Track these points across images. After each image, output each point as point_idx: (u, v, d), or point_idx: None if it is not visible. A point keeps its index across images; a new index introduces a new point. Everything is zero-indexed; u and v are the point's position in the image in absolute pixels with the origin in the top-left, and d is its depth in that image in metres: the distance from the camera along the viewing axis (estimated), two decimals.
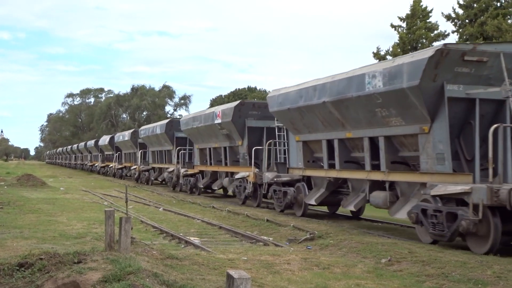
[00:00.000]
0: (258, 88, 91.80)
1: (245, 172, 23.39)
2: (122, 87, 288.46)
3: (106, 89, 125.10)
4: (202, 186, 29.91)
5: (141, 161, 42.50)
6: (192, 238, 14.53)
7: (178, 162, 33.17)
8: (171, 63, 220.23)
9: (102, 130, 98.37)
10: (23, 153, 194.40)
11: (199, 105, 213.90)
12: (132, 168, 45.78)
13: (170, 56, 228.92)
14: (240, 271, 4.79)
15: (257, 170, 22.59)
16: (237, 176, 24.07)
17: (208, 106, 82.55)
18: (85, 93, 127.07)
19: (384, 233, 15.32)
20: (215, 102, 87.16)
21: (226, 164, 26.71)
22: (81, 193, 31.50)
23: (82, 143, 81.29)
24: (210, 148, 28.66)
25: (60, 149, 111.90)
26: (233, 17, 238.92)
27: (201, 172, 30.34)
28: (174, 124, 35.29)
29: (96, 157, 66.92)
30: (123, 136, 50.47)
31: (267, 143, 22.10)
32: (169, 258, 10.19)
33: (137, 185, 40.27)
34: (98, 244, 11.90)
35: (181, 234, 15.43)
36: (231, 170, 25.86)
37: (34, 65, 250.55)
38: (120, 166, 52.04)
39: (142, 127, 43.72)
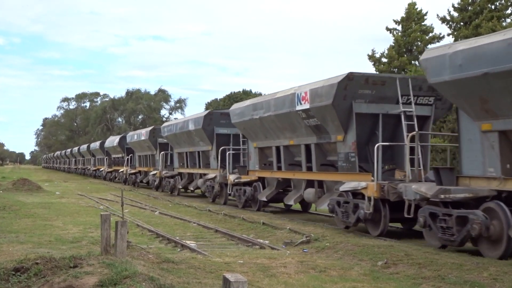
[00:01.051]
0: (253, 91, 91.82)
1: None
2: (117, 91, 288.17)
3: (101, 93, 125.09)
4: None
5: (163, 165, 36.63)
6: (188, 242, 14.51)
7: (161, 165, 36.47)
8: (166, 67, 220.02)
9: (98, 134, 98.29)
10: (19, 158, 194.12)
11: (194, 109, 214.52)
12: (151, 173, 39.21)
13: (165, 60, 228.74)
14: (237, 275, 4.79)
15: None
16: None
17: (204, 110, 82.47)
18: (80, 97, 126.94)
19: (380, 235, 15.31)
20: (210, 105, 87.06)
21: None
22: (76, 197, 31.44)
23: (84, 146, 77.25)
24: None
25: (58, 152, 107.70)
26: (227, 21, 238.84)
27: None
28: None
29: (101, 161, 63.10)
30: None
31: (230, 151, 25.19)
32: (166, 262, 10.18)
33: (133, 189, 40.28)
34: (94, 248, 11.87)
35: (177, 237, 15.41)
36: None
37: (29, 69, 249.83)
38: (133, 171, 45.52)
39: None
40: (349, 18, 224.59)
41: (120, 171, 49.41)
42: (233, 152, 25.30)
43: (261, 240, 15.00)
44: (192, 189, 31.46)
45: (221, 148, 25.69)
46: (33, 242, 13.56)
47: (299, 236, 15.09)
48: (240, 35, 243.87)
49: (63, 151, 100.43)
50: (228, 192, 24.84)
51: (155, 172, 37.64)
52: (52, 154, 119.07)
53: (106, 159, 56.96)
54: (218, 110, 29.37)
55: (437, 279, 9.79)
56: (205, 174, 28.04)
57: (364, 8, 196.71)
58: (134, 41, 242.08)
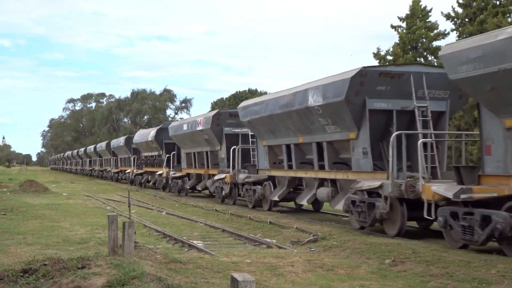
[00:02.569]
0: (258, 90, 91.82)
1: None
2: (122, 92, 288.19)
3: (107, 94, 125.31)
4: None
5: (170, 166, 36.22)
6: (195, 242, 14.51)
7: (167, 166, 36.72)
8: (170, 67, 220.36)
9: (104, 135, 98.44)
10: (25, 159, 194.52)
11: (200, 109, 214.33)
12: (158, 173, 39.25)
13: (169, 60, 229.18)
14: (244, 274, 4.79)
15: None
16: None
17: (209, 109, 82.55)
18: (86, 98, 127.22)
19: (397, 235, 15.26)
20: (216, 105, 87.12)
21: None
22: (83, 198, 31.51)
23: (91, 146, 76.71)
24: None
25: (69, 152, 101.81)
26: (230, 21, 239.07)
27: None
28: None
29: (107, 162, 62.46)
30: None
31: (239, 148, 24.95)
32: (173, 262, 10.19)
33: (139, 189, 40.37)
34: (101, 249, 11.89)
35: (184, 237, 15.43)
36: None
37: (34, 71, 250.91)
38: (140, 172, 45.67)
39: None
40: (353, 16, 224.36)
41: (126, 171, 49.44)
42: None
43: (268, 239, 15.01)
44: (200, 189, 31.29)
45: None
46: (40, 243, 13.60)
47: (306, 235, 15.08)
48: (244, 34, 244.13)
49: (75, 151, 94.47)
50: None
51: (161, 172, 37.68)
52: (62, 154, 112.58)
53: (114, 159, 56.91)
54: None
55: (445, 276, 9.77)
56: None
57: (368, 5, 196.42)
58: (138, 42, 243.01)
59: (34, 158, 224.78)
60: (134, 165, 46.66)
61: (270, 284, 9.38)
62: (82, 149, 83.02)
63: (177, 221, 20.29)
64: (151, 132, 40.36)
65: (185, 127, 31.50)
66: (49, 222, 18.65)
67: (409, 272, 10.36)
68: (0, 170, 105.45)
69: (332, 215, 20.62)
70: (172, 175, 34.59)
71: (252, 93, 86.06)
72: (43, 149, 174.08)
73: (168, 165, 36.28)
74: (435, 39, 43.20)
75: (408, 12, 44.32)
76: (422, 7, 44.08)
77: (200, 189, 31.29)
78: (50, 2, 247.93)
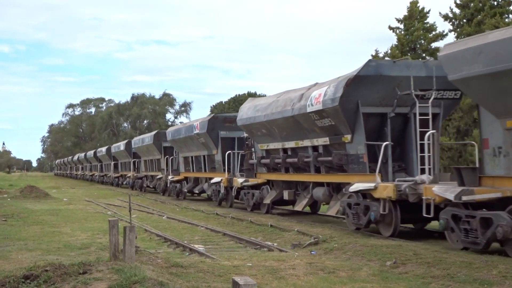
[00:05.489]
0: (258, 94, 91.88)
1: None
2: (122, 97, 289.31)
3: (106, 99, 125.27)
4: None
5: (169, 170, 36.32)
6: (196, 246, 14.51)
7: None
8: (169, 71, 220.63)
9: (104, 140, 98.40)
10: (26, 165, 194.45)
11: (199, 112, 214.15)
12: (157, 177, 39.51)
13: (169, 64, 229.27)
14: (246, 278, 4.80)
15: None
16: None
17: (209, 113, 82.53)
18: (85, 103, 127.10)
19: (392, 236, 15.28)
20: (216, 108, 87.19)
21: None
22: (84, 203, 31.50)
23: (91, 151, 73.90)
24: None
25: (79, 155, 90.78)
26: (229, 25, 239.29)
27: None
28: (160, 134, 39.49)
29: (107, 167, 61.56)
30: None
31: (237, 152, 26.01)
32: (174, 266, 10.20)
33: (140, 194, 40.42)
34: (102, 254, 11.90)
35: (185, 241, 15.42)
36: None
37: (34, 77, 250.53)
38: (140, 176, 45.93)
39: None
40: (352, 19, 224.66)
41: (127, 176, 49.51)
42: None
43: (269, 243, 15.01)
44: (197, 192, 32.12)
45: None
46: (42, 249, 13.60)
47: (307, 238, 15.08)
48: (243, 38, 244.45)
49: (76, 156, 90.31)
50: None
51: (160, 176, 38.19)
52: (71, 158, 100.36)
53: (114, 164, 56.98)
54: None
55: (446, 278, 9.77)
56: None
57: (366, 8, 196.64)
58: (137, 46, 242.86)
59: (34, 164, 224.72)
60: (134, 170, 47.24)
61: (271, 287, 9.39)
62: (83, 154, 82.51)
63: (178, 225, 20.29)
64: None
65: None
66: (50, 228, 18.65)
67: (410, 274, 10.36)
68: (0, 176, 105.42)
69: (333, 217, 20.61)
70: (170, 179, 34.90)
71: (252, 97, 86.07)
72: (43, 155, 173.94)
73: (134, 169, 38.14)
74: (434, 40, 43.23)
75: (406, 14, 44.36)
76: (420, 8, 44.12)
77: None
78: (50, 8, 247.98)
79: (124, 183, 52.40)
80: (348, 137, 16.23)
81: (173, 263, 10.44)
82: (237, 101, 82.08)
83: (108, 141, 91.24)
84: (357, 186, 15.33)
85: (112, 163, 57.00)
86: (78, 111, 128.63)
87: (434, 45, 42.77)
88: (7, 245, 14.36)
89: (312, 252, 13.36)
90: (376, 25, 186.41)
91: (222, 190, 26.20)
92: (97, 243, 14.76)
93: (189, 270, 10.13)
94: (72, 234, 17.09)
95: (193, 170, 32.10)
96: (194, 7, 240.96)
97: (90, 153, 74.02)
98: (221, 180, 25.92)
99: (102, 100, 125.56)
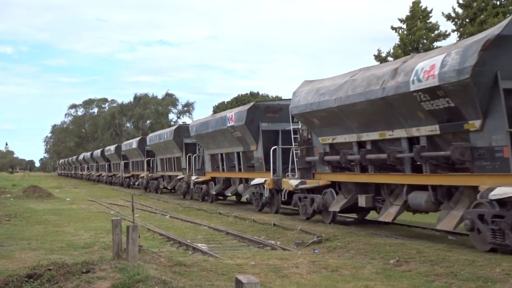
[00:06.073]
0: (260, 93, 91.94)
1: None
2: (124, 97, 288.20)
3: (109, 99, 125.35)
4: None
5: (192, 169, 31.62)
6: (199, 245, 14.53)
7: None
8: (172, 71, 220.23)
9: (107, 140, 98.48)
10: (28, 165, 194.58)
11: (202, 112, 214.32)
12: (177, 178, 35.26)
13: (172, 64, 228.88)
14: (249, 276, 4.79)
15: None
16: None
17: (211, 113, 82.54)
18: (88, 103, 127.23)
19: (391, 233, 15.28)
20: (218, 108, 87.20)
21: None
22: (87, 203, 31.53)
23: (98, 151, 70.29)
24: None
25: (84, 154, 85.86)
26: (231, 25, 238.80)
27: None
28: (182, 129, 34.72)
29: (116, 166, 58.41)
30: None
31: (193, 156, 25.10)
32: (177, 265, 10.20)
33: (143, 193, 40.40)
34: (106, 253, 11.91)
35: (189, 240, 15.44)
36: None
37: (37, 77, 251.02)
38: (155, 176, 42.09)
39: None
40: (354, 19, 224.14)
41: (140, 176, 44.97)
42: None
43: (273, 241, 15.00)
44: (230, 194, 27.51)
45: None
46: (45, 248, 13.63)
47: (310, 237, 15.07)
48: (245, 38, 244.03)
49: (88, 154, 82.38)
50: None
51: (182, 176, 33.82)
52: (76, 157, 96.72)
53: (123, 163, 53.26)
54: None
55: (449, 275, 9.76)
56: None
57: (368, 8, 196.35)
58: (140, 47, 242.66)
59: (37, 164, 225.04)
60: (148, 169, 43.50)
61: (275, 285, 9.39)
62: (88, 154, 79.27)
63: (180, 224, 20.30)
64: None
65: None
66: (53, 227, 18.68)
67: (413, 272, 10.35)
68: (3, 176, 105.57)
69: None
70: (195, 180, 29.95)
71: (254, 96, 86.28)
72: (46, 155, 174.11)
73: (148, 169, 34.65)
74: (436, 40, 43.22)
75: (409, 14, 44.37)
76: (422, 8, 44.12)
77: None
78: (52, 9, 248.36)
79: (137, 184, 48.18)
80: (475, 123, 11.89)
81: (176, 262, 10.45)
82: (240, 101, 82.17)
83: (111, 141, 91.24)
84: (504, 191, 11.05)
85: (122, 162, 52.58)
86: (80, 112, 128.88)
87: (436, 44, 42.77)
88: (11, 244, 14.38)
89: (315, 251, 13.36)
90: (379, 24, 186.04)
91: (266, 194, 21.90)
92: (100, 242, 14.78)
93: (192, 269, 10.13)
94: (75, 233, 17.11)
95: (223, 170, 27.68)
96: (196, 8, 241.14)
97: (97, 152, 69.90)
98: (265, 181, 21.73)
99: (104, 100, 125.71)
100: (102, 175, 65.51)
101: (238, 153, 25.45)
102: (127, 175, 51.45)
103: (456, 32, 40.59)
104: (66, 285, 8.18)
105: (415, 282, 9.64)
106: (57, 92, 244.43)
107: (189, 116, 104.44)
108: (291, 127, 20.99)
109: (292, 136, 21.02)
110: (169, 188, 37.87)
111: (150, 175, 41.57)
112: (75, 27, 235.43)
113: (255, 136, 23.25)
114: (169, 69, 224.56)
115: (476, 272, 9.66)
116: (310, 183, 18.19)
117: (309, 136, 18.80)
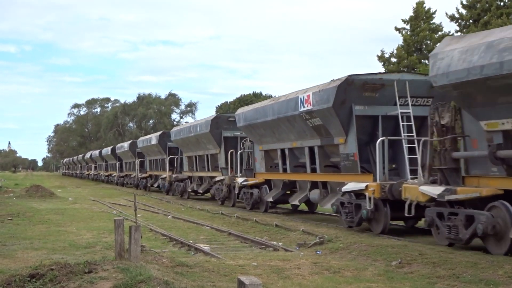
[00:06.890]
0: (263, 94, 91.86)
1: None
2: (127, 97, 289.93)
3: (112, 99, 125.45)
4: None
5: (173, 169, 37.94)
6: (201, 245, 14.53)
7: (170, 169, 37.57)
8: (175, 71, 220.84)
9: (110, 140, 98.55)
10: (31, 164, 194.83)
11: (205, 112, 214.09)
12: (161, 177, 40.05)
13: (175, 64, 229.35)
14: (251, 277, 4.79)
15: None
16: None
17: (214, 113, 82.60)
18: (91, 103, 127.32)
19: (394, 235, 15.27)
20: (221, 108, 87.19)
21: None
22: (89, 203, 31.55)
23: (96, 151, 73.03)
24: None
25: (92, 152, 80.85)
26: (234, 25, 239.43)
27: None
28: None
29: (112, 166, 62.26)
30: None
31: (238, 152, 25.43)
32: (180, 266, 10.21)
33: (145, 193, 40.47)
34: (108, 253, 11.92)
35: (191, 241, 15.44)
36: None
37: (40, 77, 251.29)
38: (144, 175, 46.21)
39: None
40: (358, 19, 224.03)
41: (161, 177, 42.63)
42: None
43: (275, 242, 15.00)
44: (201, 191, 32.11)
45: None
46: (47, 248, 13.63)
47: (312, 238, 15.07)
48: (248, 38, 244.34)
49: (96, 152, 76.67)
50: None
51: (165, 176, 38.41)
52: (82, 156, 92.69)
53: (119, 164, 57.48)
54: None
55: (451, 278, 9.74)
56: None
57: (372, 8, 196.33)
58: (143, 46, 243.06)
59: (40, 163, 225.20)
60: (138, 169, 47.72)
61: (276, 287, 9.38)
62: (97, 152, 77.26)
63: (183, 224, 20.31)
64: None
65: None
66: (56, 227, 18.69)
67: (416, 274, 10.34)
68: (6, 175, 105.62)
69: (337, 217, 20.55)
70: (242, 183, 26.72)
71: (257, 97, 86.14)
72: (48, 154, 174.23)
73: (171, 169, 37.52)
74: (440, 41, 43.15)
75: (412, 14, 44.33)
76: (426, 8, 44.08)
77: (201, 191, 32.06)
78: (56, 8, 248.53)
79: (129, 183, 53.20)
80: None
81: (178, 263, 10.45)
82: (243, 101, 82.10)
83: (114, 141, 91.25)
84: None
85: (138, 160, 50.59)
86: (83, 111, 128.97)
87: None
88: (13, 244, 14.40)
89: (318, 252, 13.35)
90: (382, 25, 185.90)
91: (369, 206, 16.86)
92: (102, 242, 14.79)
93: (195, 269, 10.14)
94: (78, 233, 17.12)
95: (196, 170, 32.36)
96: (200, 8, 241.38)
97: (107, 149, 67.48)
98: (366, 186, 17.38)
99: (107, 100, 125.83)
100: (113, 175, 60.96)
101: (311, 148, 19.54)
102: (144, 175, 46.68)
103: (460, 33, 40.54)
104: (68, 285, 8.19)
105: (417, 284, 9.62)
106: (60, 91, 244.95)
107: (191, 116, 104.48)
108: (410, 110, 16.14)
109: (403, 123, 16.15)
110: (201, 191, 32.58)
111: (175, 175, 36.80)
112: (79, 27, 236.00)
113: (346, 124, 16.86)
114: (172, 68, 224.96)
115: (478, 274, 9.64)
116: (464, 193, 12.08)
117: (455, 122, 13.07)
